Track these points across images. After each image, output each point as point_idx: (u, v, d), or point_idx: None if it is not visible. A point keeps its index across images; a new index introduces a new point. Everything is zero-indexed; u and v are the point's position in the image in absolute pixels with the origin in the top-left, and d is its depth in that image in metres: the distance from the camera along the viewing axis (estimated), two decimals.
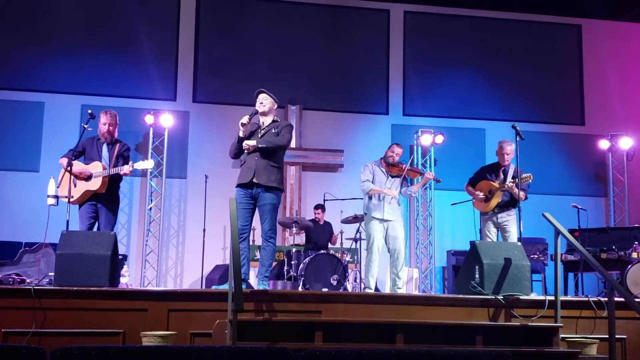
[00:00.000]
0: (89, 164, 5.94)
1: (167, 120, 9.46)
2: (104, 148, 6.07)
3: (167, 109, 9.60)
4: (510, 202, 6.59)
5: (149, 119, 9.39)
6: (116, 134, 6.17)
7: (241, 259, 4.69)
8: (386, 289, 8.29)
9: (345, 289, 7.59)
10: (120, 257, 5.65)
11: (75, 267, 4.61)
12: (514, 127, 6.01)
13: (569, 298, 5.33)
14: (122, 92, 9.69)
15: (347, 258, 8.15)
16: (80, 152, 6.04)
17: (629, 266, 6.15)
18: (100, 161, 5.96)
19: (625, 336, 4.88)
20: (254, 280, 6.10)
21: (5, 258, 5.97)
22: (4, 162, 9.25)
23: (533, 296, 5.04)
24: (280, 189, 5.40)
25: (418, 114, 10.48)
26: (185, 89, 10.03)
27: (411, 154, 9.40)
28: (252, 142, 5.34)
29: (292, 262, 7.84)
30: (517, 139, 5.98)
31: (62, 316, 4.41)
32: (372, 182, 6.55)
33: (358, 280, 7.95)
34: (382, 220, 6.46)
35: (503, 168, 6.73)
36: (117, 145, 6.12)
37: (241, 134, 5.41)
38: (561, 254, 5.53)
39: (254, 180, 5.28)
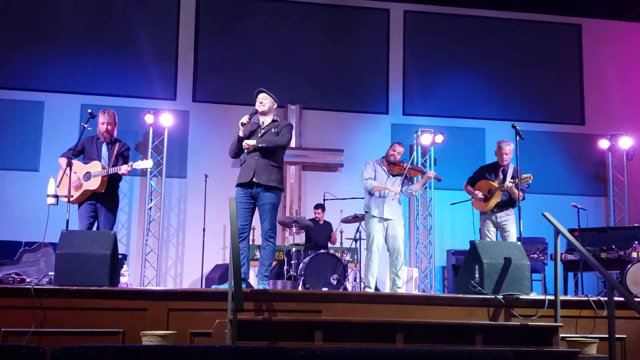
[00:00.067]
0: (88, 164, 5.94)
1: (167, 119, 9.46)
2: (104, 147, 6.08)
3: (167, 108, 9.60)
4: (509, 202, 6.60)
5: (148, 118, 9.38)
6: (115, 134, 6.17)
7: (241, 259, 4.69)
8: (386, 289, 8.29)
9: (345, 288, 7.58)
10: (120, 256, 5.64)
11: (75, 267, 4.61)
12: (513, 126, 6.01)
13: (568, 298, 5.32)
14: (122, 92, 9.68)
15: (347, 257, 8.15)
16: (79, 152, 6.04)
17: (629, 266, 6.14)
18: (100, 160, 5.96)
19: (625, 336, 4.88)
20: (253, 280, 6.10)
21: (5, 257, 5.95)
22: (3, 162, 9.25)
23: (533, 296, 5.04)
24: (280, 188, 5.40)
25: (418, 113, 10.48)
26: (185, 88, 10.02)
27: (411, 154, 9.39)
28: (252, 142, 5.34)
29: (292, 262, 7.84)
30: (517, 138, 5.97)
31: (62, 316, 4.41)
32: (374, 180, 6.54)
33: (358, 280, 7.95)
34: (382, 219, 6.45)
35: (502, 168, 6.72)
36: (117, 144, 6.12)
37: (241, 134, 5.41)
38: (561, 254, 5.54)
39: (254, 179, 5.28)
